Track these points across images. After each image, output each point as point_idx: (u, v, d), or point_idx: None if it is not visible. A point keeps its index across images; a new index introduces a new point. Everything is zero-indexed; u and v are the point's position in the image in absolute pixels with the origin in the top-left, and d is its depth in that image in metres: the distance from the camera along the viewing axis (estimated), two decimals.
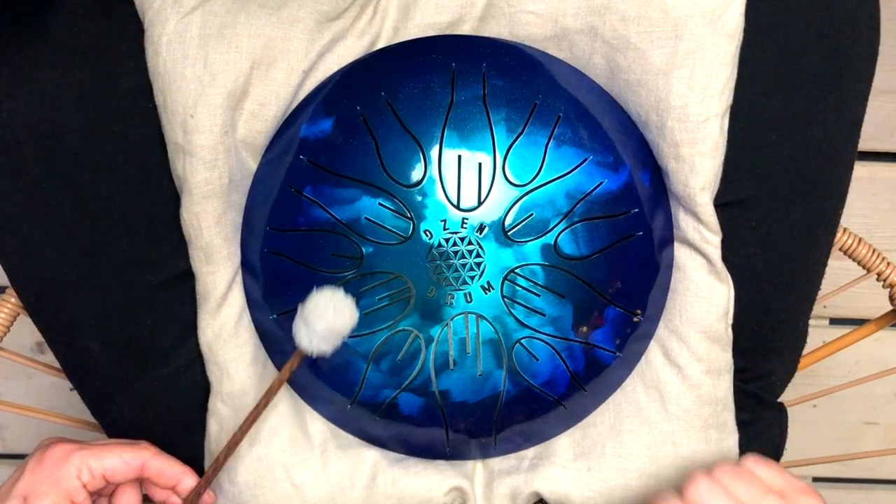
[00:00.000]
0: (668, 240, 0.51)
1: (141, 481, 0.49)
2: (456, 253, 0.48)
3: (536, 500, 0.53)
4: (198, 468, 0.51)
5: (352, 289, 0.48)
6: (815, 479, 0.97)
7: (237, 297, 0.50)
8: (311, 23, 0.48)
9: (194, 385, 0.51)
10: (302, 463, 0.51)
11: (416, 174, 0.47)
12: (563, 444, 0.53)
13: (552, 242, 0.48)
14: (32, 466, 0.45)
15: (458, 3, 0.48)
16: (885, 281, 0.58)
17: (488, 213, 0.47)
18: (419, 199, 0.47)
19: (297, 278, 0.49)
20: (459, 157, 0.47)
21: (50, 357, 0.54)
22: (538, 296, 0.48)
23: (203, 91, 0.46)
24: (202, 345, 0.50)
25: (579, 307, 0.49)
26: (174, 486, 0.48)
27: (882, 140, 0.83)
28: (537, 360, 0.49)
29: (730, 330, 0.51)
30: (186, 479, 0.48)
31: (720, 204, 0.50)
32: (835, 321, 0.94)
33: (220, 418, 0.51)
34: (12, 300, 0.54)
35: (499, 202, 0.47)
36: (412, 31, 0.49)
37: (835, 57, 0.49)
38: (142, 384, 0.51)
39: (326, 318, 0.46)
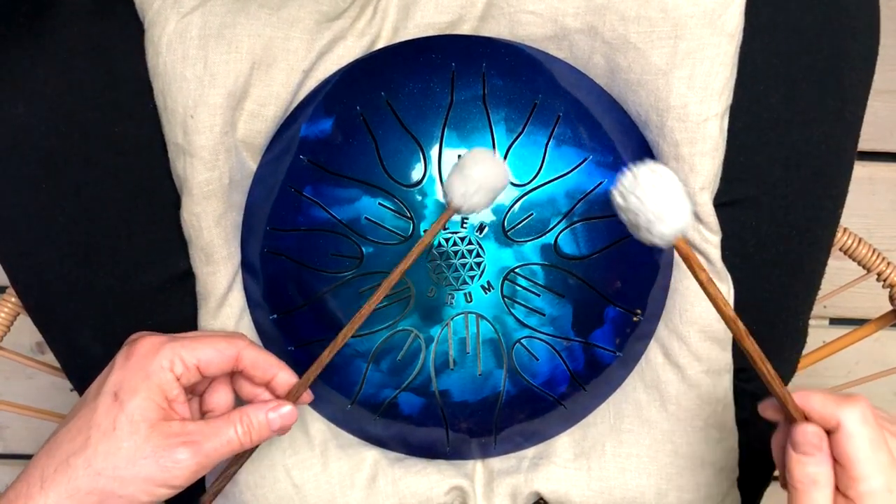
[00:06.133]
0: None
1: (232, 376, 0.46)
2: (456, 253, 0.48)
3: (536, 500, 0.53)
4: None
5: (352, 289, 0.48)
6: None
7: (237, 298, 0.50)
8: (310, 23, 0.48)
9: None
10: (302, 463, 0.51)
11: (415, 174, 0.47)
12: (564, 443, 0.53)
13: (552, 242, 0.48)
14: (121, 363, 0.42)
15: (458, 3, 0.48)
16: (885, 281, 0.58)
17: (488, 212, 0.47)
18: (419, 198, 0.47)
19: (298, 278, 0.49)
20: (459, 156, 0.47)
21: (50, 357, 0.54)
22: (538, 295, 0.48)
23: (203, 91, 0.46)
24: None
25: (579, 307, 0.49)
26: (269, 381, 0.44)
27: (882, 140, 0.83)
28: (537, 359, 0.49)
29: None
30: (282, 372, 0.44)
31: (720, 203, 0.50)
32: (835, 321, 0.94)
33: None
34: (12, 300, 0.54)
35: (499, 202, 0.47)
36: (412, 31, 0.49)
37: (835, 57, 0.49)
38: None
39: (484, 165, 0.41)
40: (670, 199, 0.34)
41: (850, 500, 0.38)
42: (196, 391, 0.46)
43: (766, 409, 0.44)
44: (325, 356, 0.44)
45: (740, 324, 0.39)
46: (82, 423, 0.40)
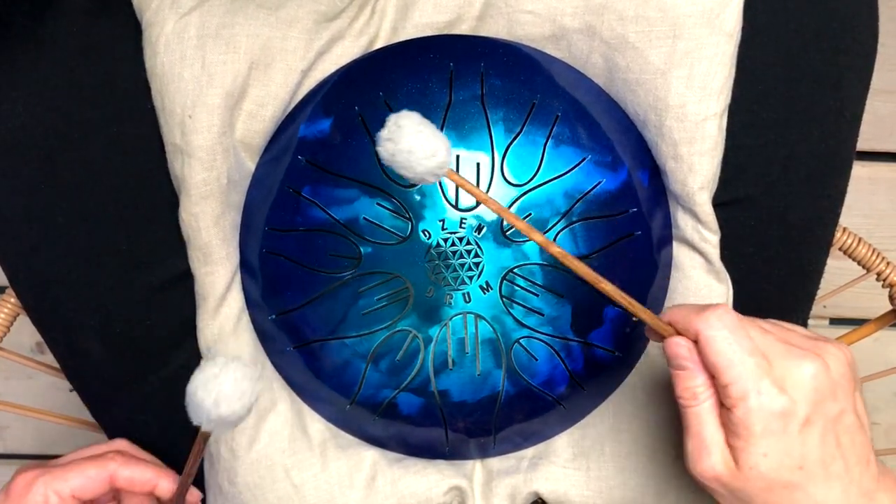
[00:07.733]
0: (666, 239, 0.51)
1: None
2: (454, 253, 0.48)
3: (535, 500, 0.53)
4: (199, 469, 0.51)
5: (351, 289, 0.48)
6: None
7: (236, 298, 0.50)
8: (309, 23, 0.48)
9: None
10: (301, 463, 0.51)
11: None
12: (563, 443, 0.53)
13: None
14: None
15: (457, 3, 0.48)
16: (884, 281, 0.58)
17: (487, 212, 0.47)
18: (417, 198, 0.47)
19: (296, 278, 0.49)
20: (458, 156, 0.47)
21: (50, 357, 0.54)
22: (537, 295, 0.48)
23: (201, 92, 0.46)
24: (201, 345, 0.50)
25: (578, 307, 0.49)
26: (150, 491, 0.47)
27: (882, 140, 0.83)
28: (536, 359, 0.49)
29: None
30: (163, 482, 0.46)
31: (719, 203, 0.50)
32: (835, 321, 0.94)
33: None
34: (12, 300, 0.54)
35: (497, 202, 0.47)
36: (410, 31, 0.49)
37: (834, 56, 0.49)
38: (141, 385, 0.51)
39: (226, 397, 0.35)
40: (415, 137, 0.39)
41: (729, 410, 0.38)
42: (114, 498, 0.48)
43: (649, 331, 0.43)
44: (191, 464, 0.41)
45: (554, 247, 0.39)
46: None
